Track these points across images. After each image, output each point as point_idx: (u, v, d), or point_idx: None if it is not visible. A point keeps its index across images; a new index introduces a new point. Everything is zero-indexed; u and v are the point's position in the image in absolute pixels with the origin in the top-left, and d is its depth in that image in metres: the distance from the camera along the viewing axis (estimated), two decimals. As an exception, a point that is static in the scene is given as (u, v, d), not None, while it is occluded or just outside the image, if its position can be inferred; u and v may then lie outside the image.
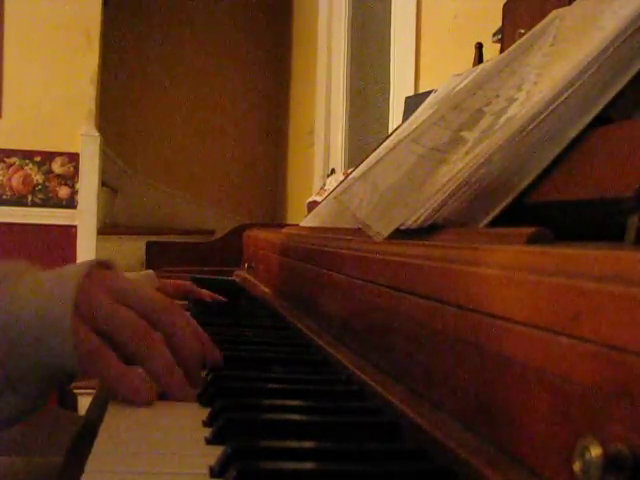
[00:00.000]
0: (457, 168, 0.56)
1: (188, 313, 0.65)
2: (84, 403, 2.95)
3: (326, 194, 1.38)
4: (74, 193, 3.50)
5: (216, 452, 0.41)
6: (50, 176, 3.49)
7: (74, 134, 3.48)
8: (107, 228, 3.83)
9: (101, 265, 0.56)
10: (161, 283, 1.05)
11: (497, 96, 0.67)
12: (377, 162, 0.77)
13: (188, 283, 0.82)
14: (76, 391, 3.05)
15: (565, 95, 0.54)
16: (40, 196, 3.48)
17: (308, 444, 0.42)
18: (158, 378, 0.52)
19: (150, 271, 1.13)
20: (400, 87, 2.40)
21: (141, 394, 0.51)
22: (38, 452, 0.80)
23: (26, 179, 3.47)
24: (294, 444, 0.42)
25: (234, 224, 1.84)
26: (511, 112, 0.59)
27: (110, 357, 0.51)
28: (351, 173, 1.20)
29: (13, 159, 3.46)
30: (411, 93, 2.23)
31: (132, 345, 0.52)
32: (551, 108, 0.53)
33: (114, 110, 4.40)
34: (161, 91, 4.73)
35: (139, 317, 0.53)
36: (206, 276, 1.43)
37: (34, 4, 3.45)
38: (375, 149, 1.12)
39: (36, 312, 0.50)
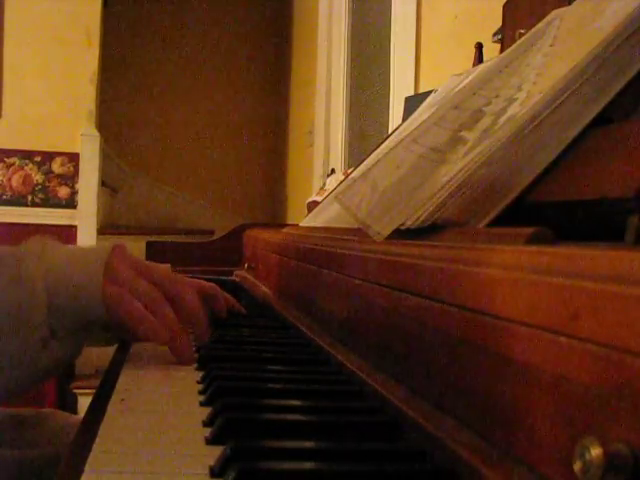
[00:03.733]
0: (457, 168, 0.56)
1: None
2: (84, 403, 2.95)
3: (326, 194, 1.38)
4: (74, 193, 3.50)
5: (216, 452, 0.41)
6: (50, 176, 3.49)
7: (74, 134, 3.48)
8: (107, 228, 3.83)
9: (120, 247, 0.69)
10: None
11: (497, 96, 0.67)
12: (377, 162, 0.77)
13: (212, 285, 0.82)
14: (76, 391, 3.05)
15: (565, 95, 0.54)
16: (40, 196, 3.49)
17: (308, 444, 0.42)
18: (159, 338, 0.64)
19: (167, 265, 1.12)
20: (400, 87, 2.40)
21: (159, 333, 0.64)
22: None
23: (26, 179, 3.47)
24: (294, 444, 0.42)
25: (234, 224, 1.83)
26: (511, 112, 0.59)
27: (132, 302, 0.64)
28: (351, 173, 1.20)
29: (13, 159, 3.47)
30: (411, 93, 2.23)
31: (145, 306, 0.64)
32: (551, 108, 0.53)
33: (114, 110, 4.40)
34: (161, 91, 4.73)
35: (153, 287, 0.66)
36: (206, 276, 1.43)
37: (34, 4, 3.45)
38: (375, 149, 1.12)
39: (72, 279, 0.64)
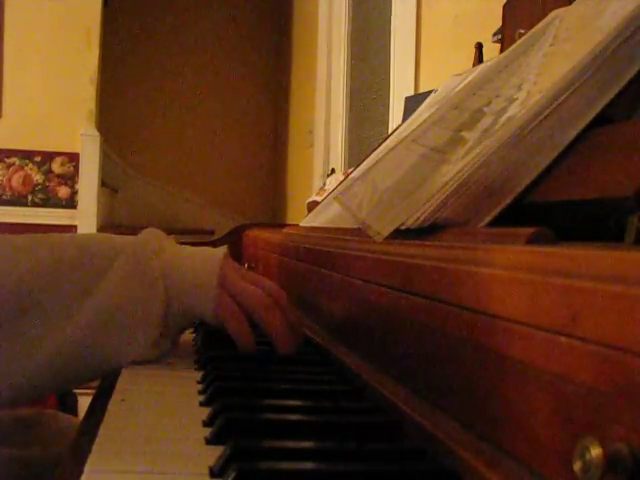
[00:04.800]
0: (457, 168, 0.56)
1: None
2: (84, 403, 2.95)
3: (326, 194, 1.38)
4: (74, 193, 3.50)
5: (216, 452, 0.41)
6: (50, 176, 3.49)
7: (74, 134, 3.48)
8: (107, 228, 3.83)
9: (228, 255, 0.72)
10: None
11: (497, 96, 0.67)
12: (377, 162, 0.77)
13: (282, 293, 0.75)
14: (76, 391, 3.05)
15: (565, 95, 0.54)
16: (40, 196, 3.49)
17: (308, 444, 0.42)
18: (273, 331, 0.67)
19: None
20: (400, 87, 2.40)
21: (250, 347, 0.67)
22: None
23: (26, 179, 3.47)
24: (294, 444, 0.42)
25: (234, 224, 1.84)
26: (511, 112, 0.59)
27: (239, 313, 0.67)
28: (351, 173, 1.20)
29: (13, 159, 3.47)
30: (411, 93, 2.23)
31: (258, 311, 0.67)
32: (551, 108, 0.53)
33: (114, 110, 4.40)
34: (161, 91, 4.73)
35: (264, 294, 0.69)
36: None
37: (34, 4, 3.45)
38: (375, 149, 1.12)
39: (188, 283, 0.67)
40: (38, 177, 3.49)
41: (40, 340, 0.61)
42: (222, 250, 0.71)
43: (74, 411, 2.95)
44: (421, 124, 0.77)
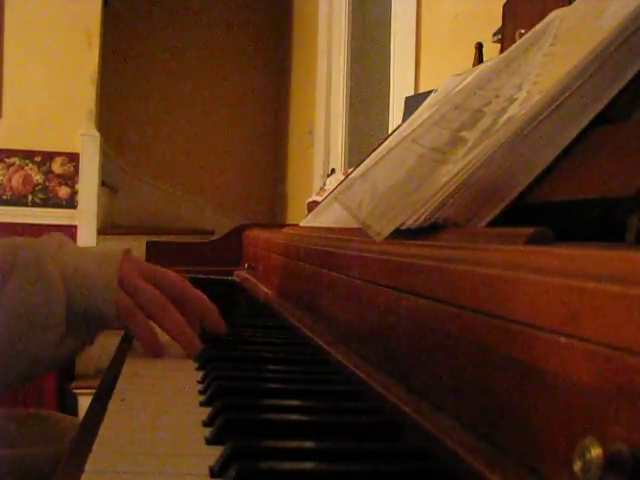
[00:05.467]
0: (457, 168, 0.56)
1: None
2: (84, 403, 2.95)
3: (326, 194, 1.38)
4: (74, 193, 3.50)
5: (216, 452, 0.41)
6: (50, 176, 3.49)
7: (74, 134, 3.48)
8: (107, 228, 3.83)
9: (129, 252, 0.74)
10: None
11: (497, 96, 0.67)
12: (377, 162, 0.77)
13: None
14: (76, 391, 3.05)
15: (565, 95, 0.54)
16: (40, 196, 3.49)
17: (308, 444, 0.42)
18: (171, 333, 0.70)
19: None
20: (400, 87, 2.40)
21: (155, 347, 0.70)
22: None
23: (26, 179, 3.47)
24: (294, 444, 0.42)
25: (234, 224, 1.84)
26: (511, 112, 0.59)
27: (139, 314, 0.69)
28: (351, 173, 1.20)
29: (13, 159, 3.47)
30: (411, 93, 2.23)
31: (154, 312, 0.70)
32: (551, 108, 0.53)
33: (114, 110, 4.40)
34: (161, 91, 4.73)
35: (161, 294, 0.71)
36: (206, 276, 1.43)
37: (34, 4, 3.45)
38: (375, 149, 1.12)
39: (88, 283, 0.68)
40: (38, 177, 3.49)
41: None
42: (122, 248, 0.73)
43: (74, 411, 2.95)
44: (421, 124, 0.77)
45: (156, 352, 0.70)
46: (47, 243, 0.70)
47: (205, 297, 0.75)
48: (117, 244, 3.68)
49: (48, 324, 0.65)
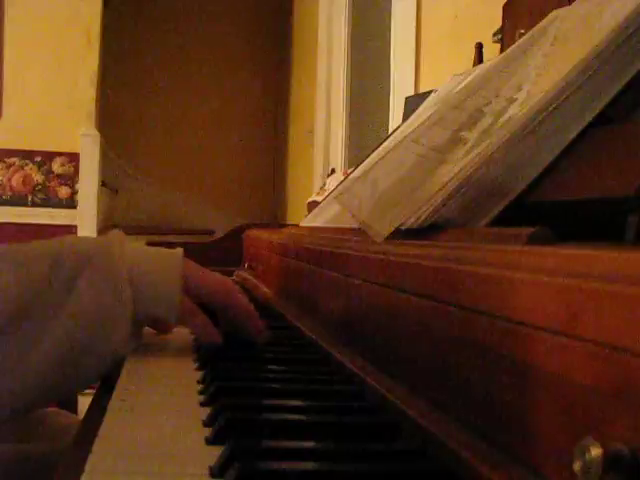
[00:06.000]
0: (457, 168, 0.56)
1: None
2: (84, 403, 2.95)
3: (326, 194, 1.38)
4: (74, 193, 3.50)
5: (216, 452, 0.41)
6: (50, 176, 3.49)
7: (74, 134, 3.48)
8: (107, 228, 3.83)
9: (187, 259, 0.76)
10: None
11: (497, 96, 0.67)
12: (377, 162, 0.77)
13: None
14: (76, 391, 3.04)
15: (565, 95, 0.54)
16: (40, 196, 3.49)
17: (308, 444, 0.42)
18: (243, 318, 0.74)
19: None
20: (400, 87, 2.40)
21: (217, 339, 0.72)
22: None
23: (26, 179, 3.47)
24: (294, 444, 0.42)
25: (234, 224, 1.83)
26: (511, 112, 0.59)
27: (201, 315, 0.72)
28: (351, 173, 1.20)
29: (13, 159, 3.46)
30: (411, 93, 2.23)
31: (223, 298, 0.74)
32: (551, 108, 0.53)
33: (114, 110, 4.40)
34: (161, 91, 4.73)
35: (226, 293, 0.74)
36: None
37: (34, 4, 3.45)
38: (375, 149, 1.12)
39: (155, 286, 0.70)
40: (38, 177, 3.48)
41: (15, 363, 0.61)
42: (180, 251, 0.75)
43: (74, 411, 2.95)
44: (421, 124, 0.77)
45: (215, 341, 0.72)
46: (112, 243, 0.70)
47: (248, 305, 0.76)
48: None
49: (116, 325, 0.66)
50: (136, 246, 0.75)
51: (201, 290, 0.73)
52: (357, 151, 3.17)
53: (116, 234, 0.73)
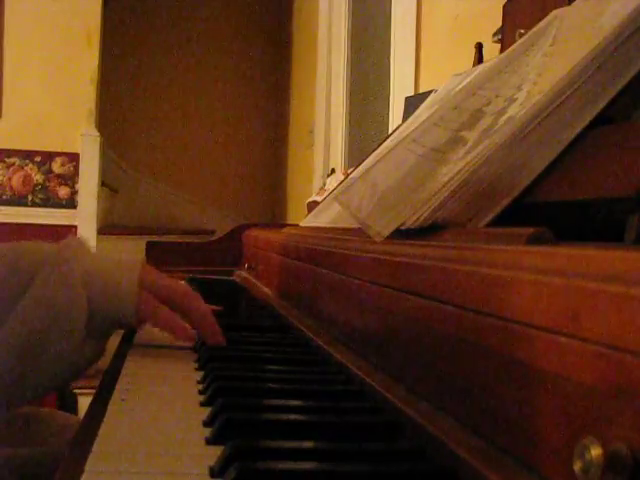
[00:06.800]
0: (457, 168, 0.56)
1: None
2: (84, 403, 2.95)
3: (326, 194, 1.38)
4: (74, 193, 3.50)
5: (216, 452, 0.41)
6: (50, 176, 3.49)
7: (74, 134, 3.48)
8: (107, 228, 3.83)
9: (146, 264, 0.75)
10: None
11: (497, 96, 0.67)
12: (377, 162, 0.77)
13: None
14: (76, 391, 3.05)
15: (565, 95, 0.54)
16: (40, 196, 3.48)
17: (308, 444, 0.42)
18: (196, 324, 0.72)
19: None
20: (400, 87, 2.40)
21: (187, 332, 0.72)
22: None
23: (26, 179, 3.47)
24: (294, 444, 0.42)
25: (234, 224, 1.83)
26: (511, 112, 0.59)
27: (163, 309, 0.71)
28: (351, 173, 1.20)
29: (13, 159, 3.46)
30: (411, 93, 2.23)
31: (180, 304, 0.72)
32: (551, 108, 0.53)
33: (114, 110, 4.40)
34: (161, 91, 4.73)
35: (185, 285, 0.75)
36: (206, 276, 1.43)
37: (34, 4, 3.45)
38: (375, 149, 1.12)
39: (110, 285, 0.69)
40: (38, 177, 3.48)
41: None
42: (139, 257, 0.76)
43: (74, 411, 2.95)
44: (421, 124, 0.77)
45: (190, 339, 0.72)
46: (67, 247, 0.70)
47: (207, 309, 0.75)
48: (117, 244, 3.69)
49: (70, 327, 0.65)
50: (94, 252, 0.74)
51: (161, 291, 0.72)
52: (357, 151, 3.17)
53: (74, 239, 0.73)
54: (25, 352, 0.63)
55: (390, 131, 1.67)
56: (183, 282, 0.78)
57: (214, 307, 0.87)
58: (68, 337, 0.65)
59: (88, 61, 3.50)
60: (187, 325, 0.72)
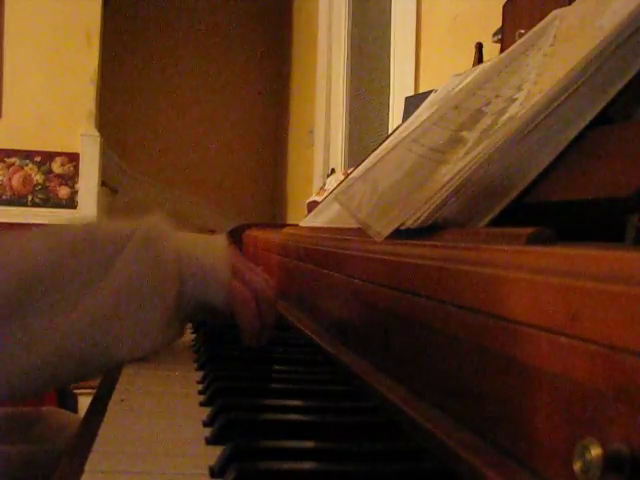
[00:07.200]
0: (457, 168, 0.56)
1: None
2: (84, 403, 2.95)
3: (326, 194, 1.38)
4: (74, 193, 3.50)
5: (216, 452, 0.41)
6: (50, 176, 3.49)
7: (74, 134, 3.48)
8: (107, 228, 3.83)
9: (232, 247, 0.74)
10: None
11: (497, 96, 0.67)
12: (377, 162, 0.77)
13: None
14: (76, 391, 3.05)
15: (565, 95, 0.54)
16: (40, 196, 3.49)
17: (308, 444, 0.42)
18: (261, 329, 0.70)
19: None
20: (400, 87, 2.40)
21: (260, 336, 0.69)
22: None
23: (26, 179, 3.47)
24: (294, 444, 0.42)
25: (234, 224, 1.83)
26: (511, 112, 0.59)
27: (252, 305, 0.68)
28: (351, 173, 1.20)
29: (13, 159, 3.47)
30: (411, 93, 2.23)
31: (261, 304, 0.70)
32: (551, 108, 0.53)
33: (114, 110, 4.40)
34: (161, 91, 4.73)
35: (270, 286, 0.72)
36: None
37: (34, 4, 3.45)
38: (375, 149, 1.12)
39: (204, 270, 0.67)
40: (38, 177, 3.48)
41: (43, 332, 0.61)
42: (224, 238, 0.73)
43: (74, 411, 2.95)
44: (421, 124, 0.77)
45: (260, 341, 0.70)
46: (158, 223, 0.68)
47: (272, 318, 0.73)
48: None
49: (157, 303, 0.64)
50: (180, 232, 0.72)
51: (249, 285, 0.70)
52: (357, 151, 3.17)
53: (158, 219, 0.70)
54: (110, 323, 0.62)
55: (390, 131, 1.67)
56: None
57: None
58: (152, 312, 0.63)
59: (88, 61, 3.50)
60: (259, 329, 0.70)
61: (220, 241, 0.72)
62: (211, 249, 0.70)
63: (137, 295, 0.63)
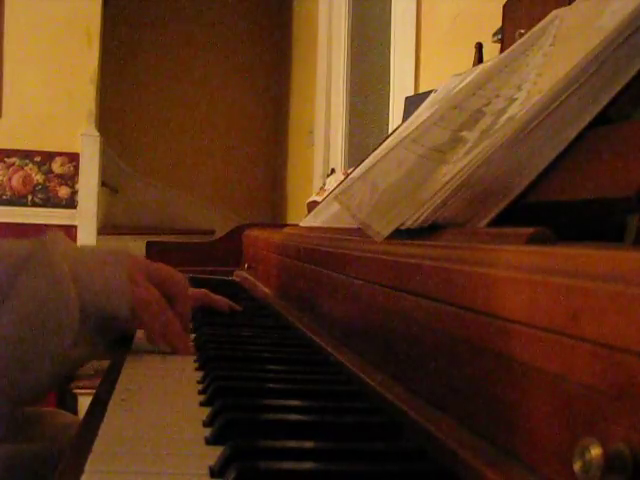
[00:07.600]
0: (457, 168, 0.56)
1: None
2: (84, 403, 2.95)
3: (326, 194, 1.38)
4: (74, 193, 3.50)
5: (216, 452, 0.41)
6: (50, 176, 3.49)
7: (74, 134, 3.48)
8: (107, 228, 3.83)
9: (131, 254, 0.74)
10: None
11: (497, 96, 0.67)
12: (377, 162, 0.77)
13: (203, 292, 0.89)
14: (76, 391, 3.05)
15: (565, 95, 0.54)
16: (40, 196, 3.49)
17: (308, 444, 0.42)
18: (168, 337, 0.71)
19: None
20: (400, 87, 2.40)
21: (177, 340, 0.71)
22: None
23: (26, 179, 3.47)
24: (294, 444, 0.42)
25: (234, 224, 1.84)
26: (511, 112, 0.59)
27: (155, 305, 0.70)
28: (351, 173, 1.20)
29: (13, 159, 3.47)
30: (411, 93, 2.23)
31: (168, 290, 0.73)
32: (551, 108, 0.53)
33: (114, 110, 4.40)
34: (161, 91, 4.73)
35: (161, 298, 0.71)
36: (206, 276, 1.43)
37: (34, 4, 3.45)
38: (375, 149, 1.12)
39: (101, 284, 0.67)
40: (38, 177, 3.48)
41: None
42: (123, 247, 0.75)
43: (74, 411, 2.95)
44: (421, 124, 0.77)
45: (179, 347, 0.71)
46: (51, 241, 0.68)
47: (205, 292, 0.76)
48: (117, 244, 3.69)
49: (62, 324, 0.63)
50: (78, 246, 0.73)
51: (152, 275, 0.71)
52: (357, 151, 3.17)
53: (55, 234, 0.70)
54: (15, 352, 0.60)
55: (390, 131, 1.67)
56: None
57: (235, 306, 0.89)
58: (59, 336, 0.62)
59: (88, 61, 3.50)
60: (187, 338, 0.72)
61: (116, 254, 0.72)
62: (106, 264, 0.69)
63: (39, 318, 0.62)
